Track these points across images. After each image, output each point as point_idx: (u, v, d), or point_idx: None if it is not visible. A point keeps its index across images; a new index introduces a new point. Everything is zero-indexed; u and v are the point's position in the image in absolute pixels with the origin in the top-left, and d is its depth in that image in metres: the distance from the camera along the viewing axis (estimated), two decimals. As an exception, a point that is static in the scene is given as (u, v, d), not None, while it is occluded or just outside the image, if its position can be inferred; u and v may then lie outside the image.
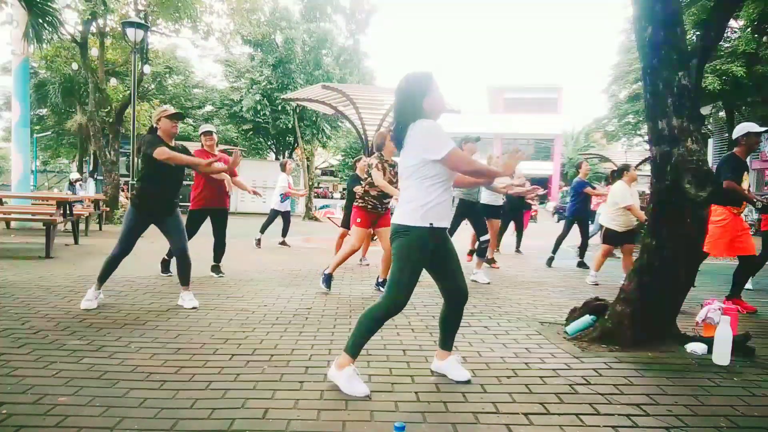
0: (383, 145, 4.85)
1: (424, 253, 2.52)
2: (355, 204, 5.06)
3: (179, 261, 4.28)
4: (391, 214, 2.69)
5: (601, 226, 6.34)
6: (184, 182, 4.68)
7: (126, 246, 4.09)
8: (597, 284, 5.93)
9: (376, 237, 6.09)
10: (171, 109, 4.15)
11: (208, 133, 5.63)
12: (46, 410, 2.22)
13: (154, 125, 4.11)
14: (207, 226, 5.60)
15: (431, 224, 2.48)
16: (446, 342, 2.78)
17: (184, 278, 4.26)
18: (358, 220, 4.97)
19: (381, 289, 5.07)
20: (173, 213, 4.23)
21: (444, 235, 2.59)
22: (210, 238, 5.67)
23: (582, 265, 7.41)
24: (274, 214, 8.92)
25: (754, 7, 10.86)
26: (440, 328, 2.79)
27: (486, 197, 6.70)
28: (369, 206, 4.93)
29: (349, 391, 2.47)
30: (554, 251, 7.66)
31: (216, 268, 5.73)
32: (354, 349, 2.56)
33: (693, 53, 3.48)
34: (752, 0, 10.55)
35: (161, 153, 3.86)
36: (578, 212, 7.67)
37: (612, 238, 5.99)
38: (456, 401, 2.45)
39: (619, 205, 5.81)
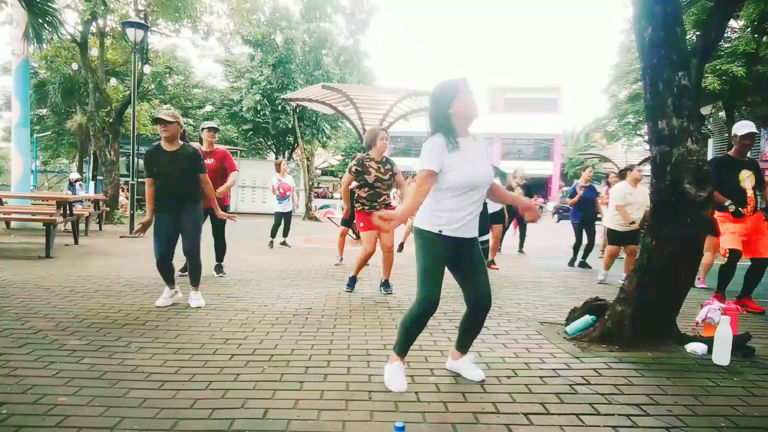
0: (373, 143, 4.85)
1: (436, 255, 2.55)
2: (356, 208, 5.04)
3: (187, 260, 4.33)
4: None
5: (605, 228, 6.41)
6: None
7: (164, 251, 4.14)
8: (603, 282, 5.98)
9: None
10: (158, 113, 4.20)
11: (213, 130, 5.71)
12: (46, 410, 2.22)
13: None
14: (206, 226, 5.61)
15: (440, 231, 2.52)
16: (462, 344, 2.80)
17: (192, 279, 4.31)
18: (361, 224, 4.95)
19: (383, 290, 5.07)
20: (186, 210, 4.19)
21: (463, 244, 2.57)
22: (210, 237, 5.68)
23: (584, 265, 7.43)
24: (278, 216, 8.90)
25: (754, 7, 10.85)
26: (459, 330, 2.81)
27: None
28: (366, 207, 4.89)
29: (388, 383, 2.56)
30: (575, 255, 7.64)
31: (218, 268, 5.77)
32: (400, 349, 2.65)
33: (693, 53, 3.48)
34: (752, 0, 10.54)
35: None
36: (583, 216, 7.65)
37: (614, 237, 6.08)
38: (456, 401, 2.45)
39: (611, 205, 5.98)
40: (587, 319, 3.60)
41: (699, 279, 5.82)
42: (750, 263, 4.76)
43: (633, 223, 5.84)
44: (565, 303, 4.67)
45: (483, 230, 6.07)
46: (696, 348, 3.27)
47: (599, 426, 2.23)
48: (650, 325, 3.39)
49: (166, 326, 3.59)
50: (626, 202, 5.91)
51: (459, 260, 2.64)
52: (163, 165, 4.12)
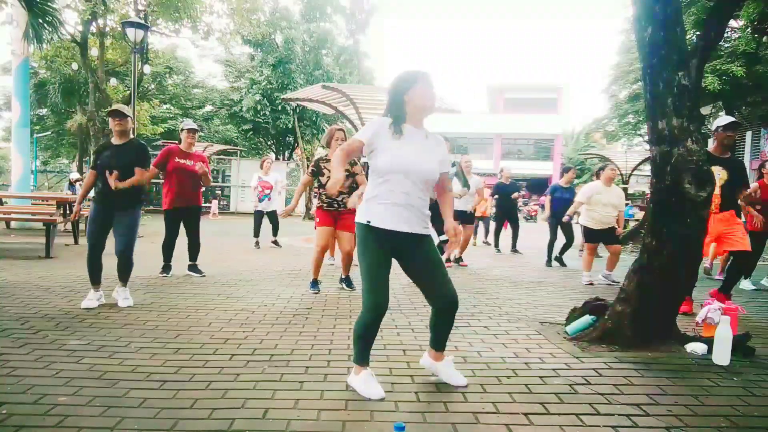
0: (329, 144, 4.92)
1: (371, 250, 2.45)
2: (317, 206, 5.10)
3: (118, 259, 4.20)
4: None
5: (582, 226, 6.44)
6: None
7: (92, 241, 4.09)
8: (591, 284, 5.95)
9: None
10: (113, 106, 4.19)
11: (193, 131, 5.61)
12: (46, 410, 2.22)
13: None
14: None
15: (368, 222, 2.46)
16: (437, 343, 2.67)
17: (121, 275, 4.24)
18: (317, 219, 5.03)
19: (343, 285, 5.18)
20: (125, 211, 4.12)
21: (406, 240, 2.48)
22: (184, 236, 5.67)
23: (558, 260, 7.58)
24: (258, 215, 8.77)
25: (754, 7, 10.84)
26: (430, 330, 2.71)
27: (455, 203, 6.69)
28: (324, 204, 4.97)
29: (366, 394, 2.43)
30: (549, 254, 7.72)
31: (193, 267, 5.68)
32: (359, 359, 2.52)
33: (693, 53, 3.47)
34: (752, 0, 10.54)
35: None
36: (559, 214, 7.68)
37: (589, 235, 6.13)
38: (456, 401, 2.45)
39: (580, 202, 6.12)
40: (587, 319, 3.60)
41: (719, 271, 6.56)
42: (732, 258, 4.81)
43: (578, 213, 6.07)
44: (565, 303, 4.67)
45: (442, 229, 5.99)
46: (696, 348, 3.27)
47: (599, 426, 2.23)
48: (650, 325, 3.39)
49: (166, 326, 3.59)
50: (593, 201, 5.98)
51: (405, 259, 2.56)
52: (105, 159, 4.10)
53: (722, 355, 3.07)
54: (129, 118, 4.18)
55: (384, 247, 2.47)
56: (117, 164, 4.05)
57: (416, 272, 2.60)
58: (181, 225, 5.59)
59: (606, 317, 3.49)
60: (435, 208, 2.69)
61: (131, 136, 4.30)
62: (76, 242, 8.21)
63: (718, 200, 4.49)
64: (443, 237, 5.90)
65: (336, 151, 2.52)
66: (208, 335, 3.41)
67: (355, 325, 2.53)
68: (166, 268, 5.57)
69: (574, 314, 3.79)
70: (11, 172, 11.43)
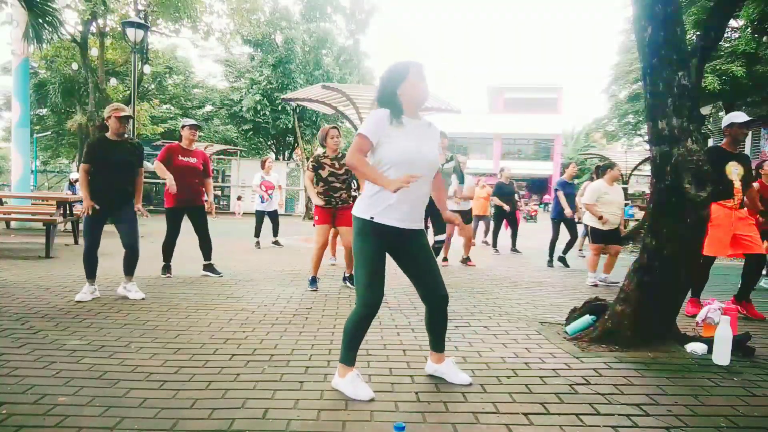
0: (324, 141, 5.06)
1: (370, 245, 2.43)
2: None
3: (126, 253, 4.45)
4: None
5: (586, 226, 6.41)
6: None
7: (90, 239, 4.31)
8: (596, 285, 5.94)
9: None
10: (122, 111, 4.32)
11: (194, 128, 5.64)
12: (46, 410, 2.22)
13: (105, 122, 4.38)
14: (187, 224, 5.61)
15: (371, 218, 2.43)
16: (437, 344, 2.70)
17: (128, 268, 4.46)
18: (316, 217, 5.11)
19: (347, 283, 5.25)
20: (125, 206, 4.38)
21: (404, 236, 2.48)
22: (193, 236, 5.66)
23: (561, 260, 7.51)
24: (259, 215, 8.74)
25: (754, 7, 10.85)
26: (427, 331, 2.71)
27: (451, 203, 6.69)
28: (323, 202, 5.05)
29: (354, 395, 2.42)
30: (551, 254, 7.70)
31: (209, 267, 5.67)
32: (347, 359, 2.50)
33: (693, 53, 3.47)
34: (752, 0, 10.55)
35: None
36: (562, 212, 7.67)
37: (597, 236, 6.07)
38: (456, 401, 2.45)
39: (583, 201, 6.06)
40: (587, 319, 3.60)
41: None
42: (744, 261, 4.65)
43: (601, 218, 5.88)
44: (565, 303, 4.67)
45: (440, 229, 5.99)
46: (696, 348, 3.27)
47: (599, 426, 2.23)
48: (650, 325, 3.39)
49: (166, 326, 3.59)
50: (601, 201, 5.94)
51: (401, 255, 2.54)
52: (111, 154, 4.26)
53: (722, 355, 3.07)
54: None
55: (383, 243, 2.46)
56: (122, 161, 4.31)
57: (411, 266, 2.58)
58: (182, 225, 5.56)
59: (606, 317, 3.49)
60: (433, 207, 2.63)
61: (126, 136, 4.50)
62: (76, 242, 8.20)
63: (740, 195, 4.36)
64: (440, 237, 5.94)
65: (354, 157, 2.37)
66: (208, 335, 3.41)
67: (347, 322, 2.51)
68: (166, 268, 5.54)
69: (574, 314, 3.79)
70: (11, 172, 11.43)
